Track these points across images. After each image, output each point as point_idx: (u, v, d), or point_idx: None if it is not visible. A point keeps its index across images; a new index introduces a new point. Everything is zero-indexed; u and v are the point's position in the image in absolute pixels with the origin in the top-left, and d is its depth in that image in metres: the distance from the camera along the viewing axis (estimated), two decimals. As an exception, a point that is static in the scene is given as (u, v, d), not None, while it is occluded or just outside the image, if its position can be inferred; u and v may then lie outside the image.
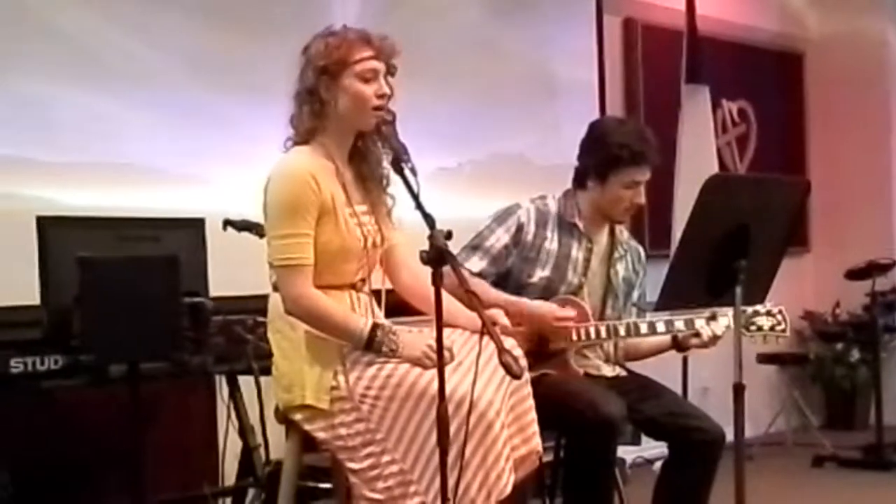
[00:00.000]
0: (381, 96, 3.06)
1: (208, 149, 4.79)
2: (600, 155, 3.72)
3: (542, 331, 3.63)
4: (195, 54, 4.80)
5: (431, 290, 2.73)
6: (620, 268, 3.87)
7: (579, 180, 3.81)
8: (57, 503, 4.05)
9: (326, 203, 3.02)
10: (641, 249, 4.00)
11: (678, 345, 3.79)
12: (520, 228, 3.73)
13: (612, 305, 3.84)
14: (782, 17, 8.18)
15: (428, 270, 2.74)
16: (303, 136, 3.10)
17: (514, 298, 3.60)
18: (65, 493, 4.05)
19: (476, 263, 3.68)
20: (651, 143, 3.73)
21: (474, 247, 3.72)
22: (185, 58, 4.78)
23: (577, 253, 3.78)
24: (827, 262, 7.87)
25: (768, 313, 3.70)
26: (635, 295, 3.91)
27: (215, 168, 4.80)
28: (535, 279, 3.73)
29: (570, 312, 3.63)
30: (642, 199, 3.76)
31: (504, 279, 3.74)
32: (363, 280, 3.17)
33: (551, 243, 3.75)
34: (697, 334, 3.68)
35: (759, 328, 3.72)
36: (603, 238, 3.86)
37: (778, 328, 3.73)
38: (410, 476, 2.94)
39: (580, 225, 3.78)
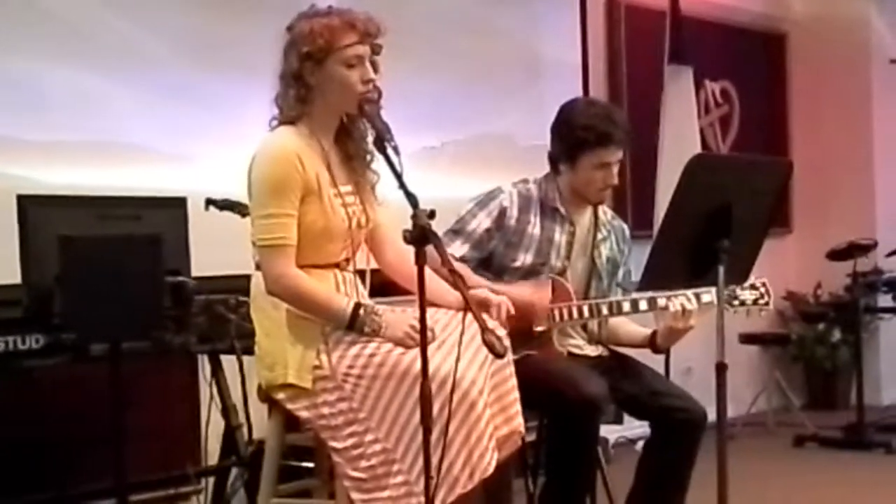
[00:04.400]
0: (366, 81, 3.05)
1: (192, 127, 4.77)
2: (568, 138, 3.73)
3: (523, 316, 3.60)
4: (180, 33, 4.78)
5: (415, 269, 2.73)
6: (604, 249, 3.87)
7: (552, 164, 3.81)
8: (37, 482, 4.03)
9: (311, 183, 3.02)
10: (626, 227, 4.00)
11: (654, 346, 3.80)
12: (502, 213, 3.72)
13: (595, 287, 3.84)
14: (766, -3, 8.20)
15: (412, 249, 2.73)
16: (289, 118, 3.09)
17: (495, 285, 3.58)
18: (45, 473, 4.04)
19: (458, 248, 3.67)
20: (619, 123, 3.72)
21: (456, 231, 3.70)
22: (171, 36, 4.75)
23: (559, 237, 3.77)
24: (809, 243, 7.90)
25: (752, 287, 3.72)
26: (620, 273, 3.91)
27: (199, 147, 4.78)
28: (518, 263, 3.72)
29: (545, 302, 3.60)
30: (615, 180, 3.76)
31: (486, 263, 3.74)
32: (347, 260, 3.17)
33: (534, 227, 3.75)
34: (675, 317, 3.67)
35: (743, 302, 3.73)
36: (585, 220, 3.86)
37: (761, 301, 3.74)
38: (393, 455, 2.94)
39: (562, 208, 3.78)
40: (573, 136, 3.70)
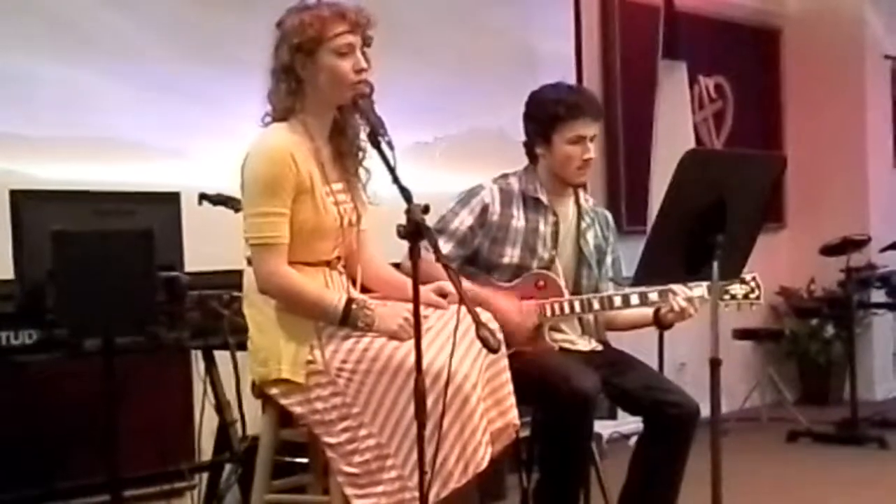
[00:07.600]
0: (358, 71, 3.04)
1: (185, 123, 4.76)
2: (539, 117, 3.75)
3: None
4: (173, 28, 4.77)
5: (407, 263, 2.74)
6: (590, 236, 3.87)
7: (530, 153, 3.82)
8: (30, 478, 4.02)
9: (304, 182, 3.01)
10: (609, 214, 4.02)
11: (659, 321, 3.80)
12: (484, 209, 3.72)
13: (586, 276, 3.85)
14: (760, -7, 8.20)
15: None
16: (281, 114, 3.08)
17: (479, 290, 3.57)
18: (38, 468, 4.03)
19: (442, 246, 3.64)
20: (587, 95, 3.78)
21: (439, 230, 3.67)
22: (163, 31, 4.74)
23: (544, 227, 3.77)
24: (802, 239, 7.91)
25: (742, 281, 3.72)
26: (609, 260, 3.92)
27: (192, 142, 4.77)
28: (506, 258, 3.72)
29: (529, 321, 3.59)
30: (592, 154, 3.76)
31: (473, 260, 3.74)
32: (338, 258, 3.16)
33: (518, 221, 3.75)
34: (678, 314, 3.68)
35: (734, 296, 3.75)
36: (569, 209, 3.86)
37: (752, 296, 3.75)
38: (387, 450, 2.94)
39: (544, 199, 3.78)
40: (544, 112, 3.72)
